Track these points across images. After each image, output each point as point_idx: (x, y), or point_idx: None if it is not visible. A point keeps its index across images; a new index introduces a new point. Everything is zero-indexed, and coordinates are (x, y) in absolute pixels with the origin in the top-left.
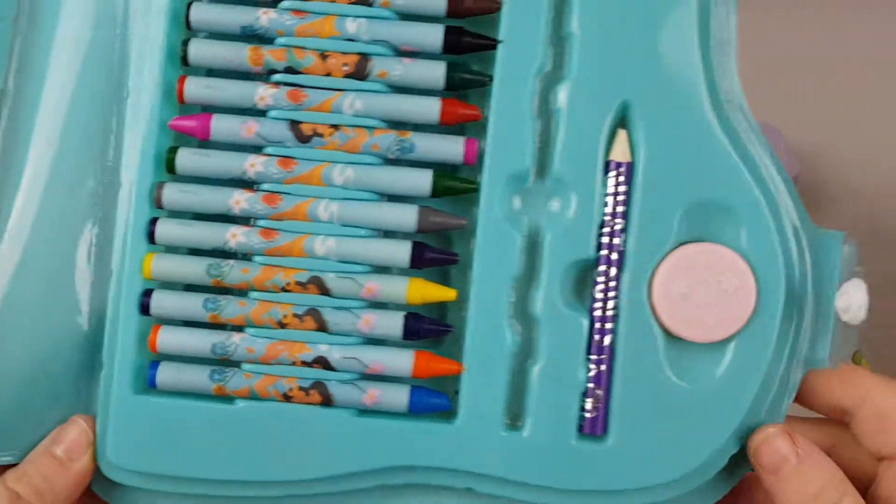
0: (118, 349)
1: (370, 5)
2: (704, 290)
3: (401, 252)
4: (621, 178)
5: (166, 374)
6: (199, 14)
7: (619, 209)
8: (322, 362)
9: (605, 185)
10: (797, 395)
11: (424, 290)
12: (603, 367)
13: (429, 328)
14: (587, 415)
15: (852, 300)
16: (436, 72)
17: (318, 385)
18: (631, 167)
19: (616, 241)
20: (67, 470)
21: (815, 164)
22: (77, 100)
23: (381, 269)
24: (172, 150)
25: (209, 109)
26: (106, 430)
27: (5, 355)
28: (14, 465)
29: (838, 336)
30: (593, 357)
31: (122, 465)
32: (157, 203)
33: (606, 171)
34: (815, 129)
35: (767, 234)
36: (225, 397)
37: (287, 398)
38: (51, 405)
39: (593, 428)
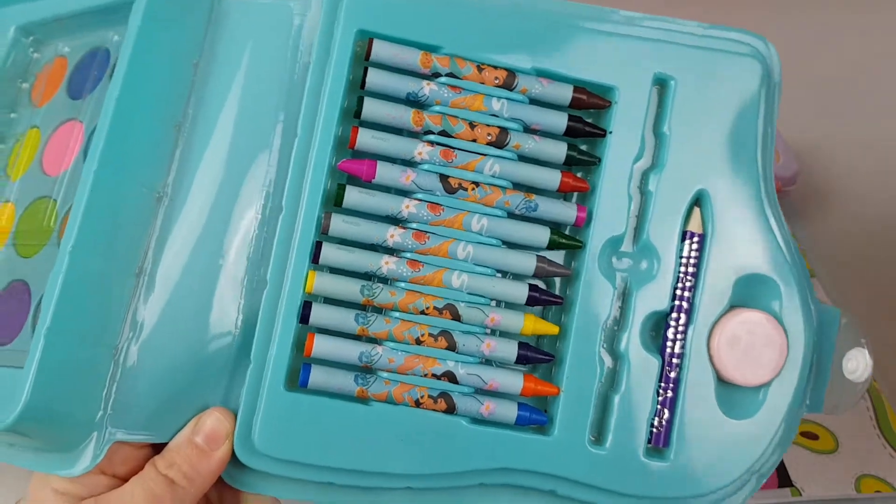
0: (275, 351)
1: (511, 90)
2: (749, 345)
3: (520, 291)
4: (695, 246)
5: (318, 375)
6: (374, 79)
7: (691, 270)
8: (449, 376)
9: (681, 250)
10: None
11: (536, 325)
12: (669, 394)
13: (535, 356)
14: (654, 430)
15: (859, 364)
16: (559, 150)
17: (445, 395)
18: (703, 238)
19: (687, 294)
20: (210, 457)
21: (814, 163)
22: (244, 134)
23: (498, 303)
24: (341, 188)
25: (370, 157)
26: (253, 421)
27: (160, 351)
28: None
29: (840, 390)
30: (662, 385)
31: (267, 452)
32: (324, 230)
33: (683, 239)
34: (814, 129)
35: (798, 306)
36: (363, 399)
37: (418, 404)
38: (192, 395)
39: (658, 440)
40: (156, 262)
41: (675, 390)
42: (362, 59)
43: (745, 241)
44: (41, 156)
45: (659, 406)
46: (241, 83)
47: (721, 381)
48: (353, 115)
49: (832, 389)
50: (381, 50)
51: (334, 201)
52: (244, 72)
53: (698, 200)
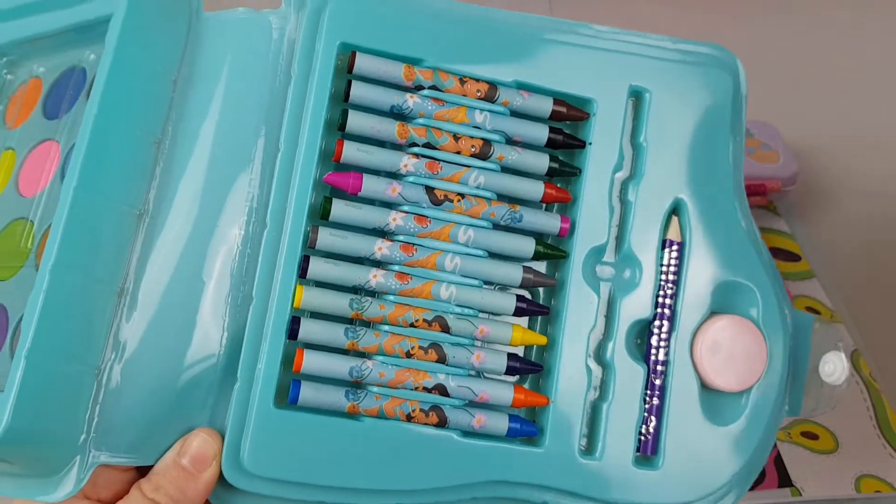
0: (263, 368)
1: (493, 102)
2: (730, 351)
3: (508, 302)
4: (674, 254)
5: (307, 392)
6: (358, 92)
7: (672, 277)
8: (440, 389)
9: (661, 258)
10: None
11: (524, 336)
12: (656, 402)
13: (524, 367)
14: (642, 438)
15: (836, 367)
16: (541, 161)
17: (437, 408)
18: (682, 246)
19: (668, 301)
20: (197, 479)
21: (814, 163)
22: (224, 149)
23: (486, 315)
24: (328, 201)
25: (355, 169)
26: (242, 440)
27: (143, 371)
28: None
29: (817, 393)
30: (648, 393)
31: (257, 472)
32: (311, 244)
33: (663, 247)
34: (813, 129)
35: (775, 311)
36: (354, 415)
37: (409, 418)
38: (178, 416)
39: (646, 448)
40: (138, 281)
41: (661, 398)
42: (345, 72)
43: (720, 249)
44: (17, 177)
45: (646, 414)
46: (220, 98)
47: (704, 387)
48: (336, 128)
49: (809, 392)
50: (363, 63)
51: (320, 215)
52: (224, 87)
53: (676, 209)
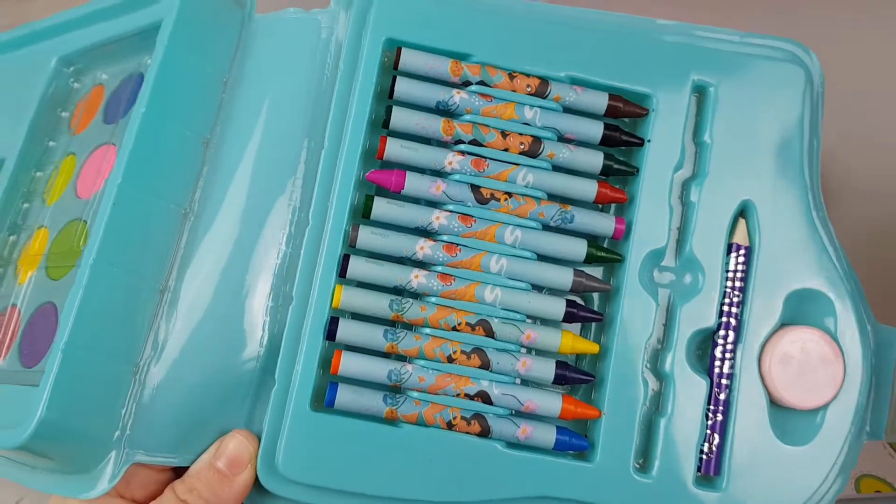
0: (300, 369)
1: (544, 98)
2: (803, 364)
3: (557, 307)
4: (741, 259)
5: (345, 395)
6: (403, 87)
7: (738, 284)
8: (483, 396)
9: (726, 264)
10: None
11: (574, 343)
12: (720, 418)
13: (574, 376)
14: (704, 457)
15: None
16: (595, 159)
17: (479, 416)
18: (749, 251)
19: (734, 310)
20: (232, 483)
21: None
22: (271, 149)
23: (534, 320)
24: (370, 199)
25: (399, 167)
26: (277, 443)
27: (182, 370)
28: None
29: None
30: (711, 408)
31: (291, 477)
32: (352, 242)
33: (728, 252)
34: None
35: (853, 323)
36: (392, 420)
37: (450, 426)
38: (215, 417)
39: (708, 468)
40: (179, 279)
41: (726, 413)
42: (391, 69)
43: (794, 255)
44: (76, 180)
45: (708, 431)
46: (268, 99)
47: (774, 403)
48: (381, 126)
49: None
50: (409, 59)
51: (362, 213)
52: (272, 87)
53: (743, 212)
